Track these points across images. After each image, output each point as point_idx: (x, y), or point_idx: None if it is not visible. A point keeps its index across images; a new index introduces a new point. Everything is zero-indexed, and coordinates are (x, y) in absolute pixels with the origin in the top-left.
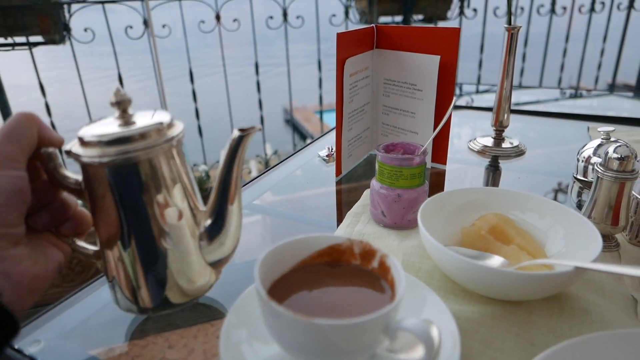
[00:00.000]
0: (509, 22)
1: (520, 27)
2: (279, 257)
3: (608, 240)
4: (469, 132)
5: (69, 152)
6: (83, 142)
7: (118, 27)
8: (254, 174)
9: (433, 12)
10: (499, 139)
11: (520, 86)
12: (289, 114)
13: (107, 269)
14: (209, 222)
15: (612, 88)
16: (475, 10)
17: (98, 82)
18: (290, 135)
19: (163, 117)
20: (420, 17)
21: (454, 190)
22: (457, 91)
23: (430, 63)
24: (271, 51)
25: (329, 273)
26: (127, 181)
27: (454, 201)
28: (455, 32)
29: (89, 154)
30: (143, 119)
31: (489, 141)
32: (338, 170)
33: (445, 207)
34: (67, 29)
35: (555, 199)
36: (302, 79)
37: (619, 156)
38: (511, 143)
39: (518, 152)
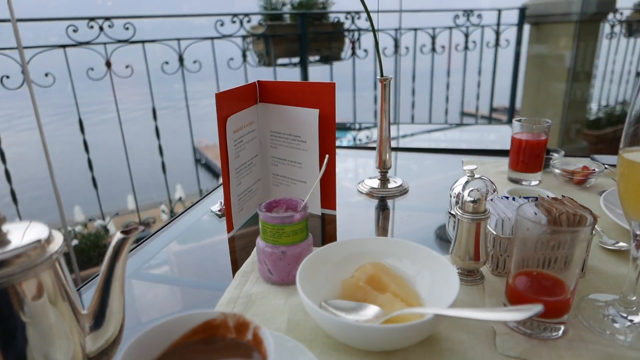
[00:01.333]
0: (381, 74)
1: (391, 78)
2: (149, 343)
3: (474, 275)
4: (366, 172)
5: None
6: None
7: None
8: (166, 218)
9: (328, 53)
10: (384, 180)
11: (412, 122)
12: (199, 153)
13: None
14: (92, 323)
15: (491, 113)
16: (365, 50)
17: None
18: (202, 173)
19: (40, 232)
20: (317, 57)
21: (333, 244)
22: (357, 126)
23: (311, 116)
24: (171, 94)
25: (203, 351)
26: (6, 304)
27: (333, 255)
28: (331, 87)
29: None
30: (19, 237)
31: (375, 183)
32: (229, 226)
33: (326, 261)
34: None
35: (436, 234)
36: (212, 116)
37: (472, 199)
38: (395, 182)
39: (402, 191)
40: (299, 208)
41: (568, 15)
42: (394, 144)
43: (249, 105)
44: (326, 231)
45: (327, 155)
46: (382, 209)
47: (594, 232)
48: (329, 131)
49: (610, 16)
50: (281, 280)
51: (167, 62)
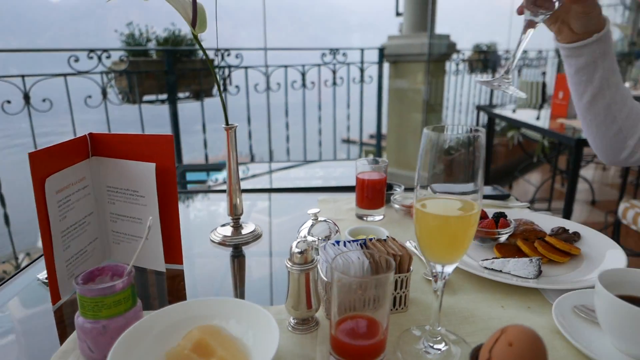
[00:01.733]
0: (227, 123)
1: (237, 125)
2: None
3: (308, 322)
4: (221, 218)
5: None
6: None
7: None
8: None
9: (198, 89)
10: (236, 226)
11: (287, 155)
12: None
13: None
14: None
15: (361, 140)
16: (237, 87)
17: None
18: None
19: None
20: (187, 94)
21: (154, 313)
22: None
23: (147, 170)
24: (21, 131)
25: None
26: None
27: (155, 325)
28: (169, 140)
29: None
30: None
31: (228, 230)
32: (55, 297)
33: (147, 333)
34: None
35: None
36: None
37: (300, 250)
38: (248, 228)
39: (256, 237)
40: (125, 274)
41: (419, 55)
42: (265, 182)
43: (78, 160)
44: (170, 289)
45: (150, 217)
46: (236, 257)
47: (411, 268)
48: (169, 184)
49: (455, 56)
50: (104, 357)
51: (8, 101)
